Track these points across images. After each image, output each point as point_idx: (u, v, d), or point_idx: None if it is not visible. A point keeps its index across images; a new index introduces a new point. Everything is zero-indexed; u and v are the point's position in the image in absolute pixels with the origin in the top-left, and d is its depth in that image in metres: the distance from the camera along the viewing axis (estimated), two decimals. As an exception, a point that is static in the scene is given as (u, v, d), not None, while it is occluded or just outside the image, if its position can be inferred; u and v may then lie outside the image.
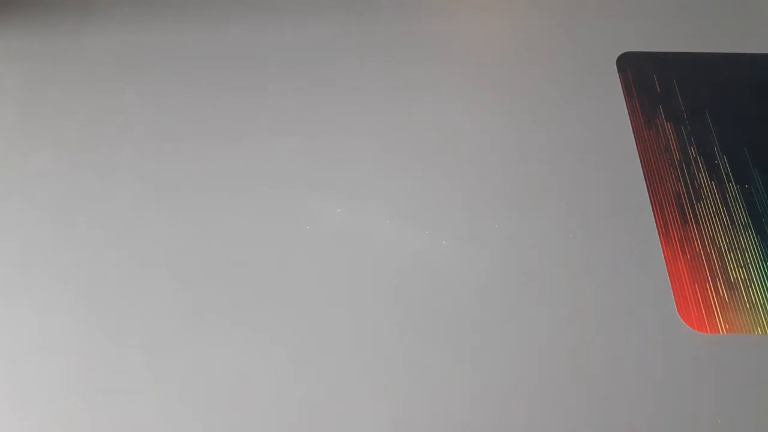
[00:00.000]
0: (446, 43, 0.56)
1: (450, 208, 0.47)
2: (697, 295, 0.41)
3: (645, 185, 0.48)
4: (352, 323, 0.42)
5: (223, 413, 0.38)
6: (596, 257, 0.44)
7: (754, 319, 0.42)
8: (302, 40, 0.55)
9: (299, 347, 0.41)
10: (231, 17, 0.58)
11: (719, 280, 0.43)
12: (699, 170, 0.48)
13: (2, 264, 0.44)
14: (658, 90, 0.54)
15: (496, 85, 0.53)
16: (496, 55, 0.55)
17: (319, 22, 0.56)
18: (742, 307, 0.43)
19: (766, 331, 0.42)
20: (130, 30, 0.57)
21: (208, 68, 0.54)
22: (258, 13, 0.58)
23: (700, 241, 0.45)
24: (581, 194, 0.47)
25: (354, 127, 0.51)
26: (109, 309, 0.41)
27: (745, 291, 0.43)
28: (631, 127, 0.50)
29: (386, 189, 0.47)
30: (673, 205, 0.46)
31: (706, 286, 0.43)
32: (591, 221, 0.46)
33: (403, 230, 0.45)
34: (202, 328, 0.42)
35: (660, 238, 0.45)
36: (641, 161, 0.48)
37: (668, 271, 0.44)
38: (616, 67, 0.55)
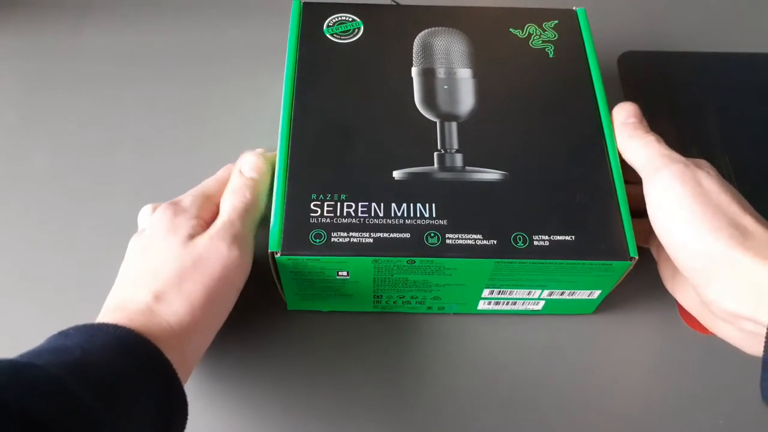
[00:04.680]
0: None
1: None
2: (698, 295, 0.40)
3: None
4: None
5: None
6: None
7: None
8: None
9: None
10: (231, 17, 0.58)
11: (721, 280, 0.43)
12: (700, 170, 0.48)
13: (2, 264, 0.44)
14: (659, 90, 0.54)
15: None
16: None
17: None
18: (744, 308, 0.42)
19: (767, 332, 0.42)
20: (130, 29, 0.56)
21: (208, 68, 0.54)
22: (258, 13, 0.57)
23: (702, 242, 0.45)
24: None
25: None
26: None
27: (746, 291, 0.43)
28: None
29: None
30: (675, 205, 0.46)
31: (707, 286, 0.43)
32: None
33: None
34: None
35: (661, 238, 0.45)
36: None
37: (670, 272, 0.44)
38: (616, 67, 0.55)
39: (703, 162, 0.38)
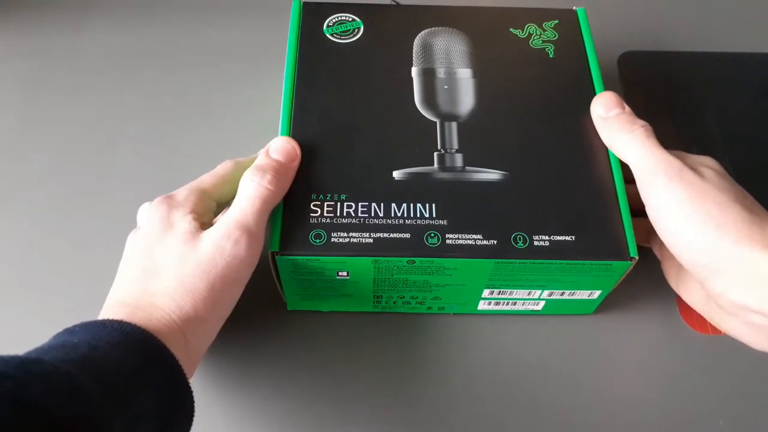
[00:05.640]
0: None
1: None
2: (698, 295, 0.40)
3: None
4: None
5: None
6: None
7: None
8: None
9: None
10: (231, 17, 0.58)
11: (721, 280, 0.43)
12: (700, 170, 0.48)
13: (2, 264, 0.44)
14: (659, 90, 0.54)
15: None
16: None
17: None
18: (744, 308, 0.42)
19: None
20: (130, 29, 0.56)
21: (208, 68, 0.54)
22: (258, 13, 0.57)
23: (702, 242, 0.45)
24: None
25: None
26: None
27: (746, 291, 0.43)
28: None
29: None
30: (675, 205, 0.46)
31: (707, 286, 0.43)
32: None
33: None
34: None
35: (661, 238, 0.45)
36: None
37: (670, 272, 0.44)
38: (616, 67, 0.55)
39: (705, 159, 0.37)
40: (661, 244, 0.37)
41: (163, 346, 0.31)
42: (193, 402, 0.33)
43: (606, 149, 0.40)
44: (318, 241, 0.36)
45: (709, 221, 0.33)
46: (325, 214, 0.37)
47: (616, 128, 0.39)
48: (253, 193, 0.36)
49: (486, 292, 0.40)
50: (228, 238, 0.34)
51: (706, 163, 0.37)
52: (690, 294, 0.40)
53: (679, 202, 0.34)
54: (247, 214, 0.35)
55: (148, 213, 0.37)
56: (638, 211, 0.38)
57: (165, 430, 0.31)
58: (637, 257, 0.36)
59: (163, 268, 0.34)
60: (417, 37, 0.44)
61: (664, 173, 0.35)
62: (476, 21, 0.45)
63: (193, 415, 0.33)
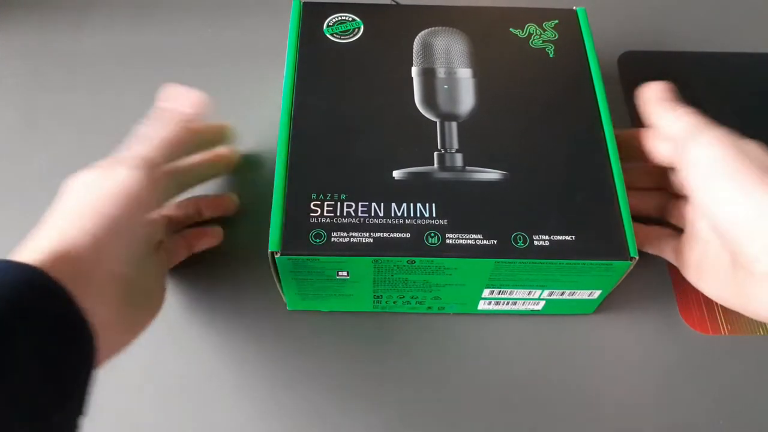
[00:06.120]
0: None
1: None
2: (699, 295, 0.40)
3: (646, 185, 0.47)
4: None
5: None
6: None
7: (756, 320, 0.42)
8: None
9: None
10: (231, 17, 0.58)
11: (721, 280, 0.43)
12: (700, 170, 0.48)
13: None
14: (659, 90, 0.54)
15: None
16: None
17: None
18: (744, 308, 0.42)
19: (768, 332, 0.42)
20: (130, 29, 0.56)
21: (208, 68, 0.54)
22: (258, 13, 0.57)
23: (702, 242, 0.45)
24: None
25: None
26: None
27: (746, 291, 0.43)
28: (632, 127, 0.50)
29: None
30: (675, 205, 0.46)
31: (707, 286, 0.43)
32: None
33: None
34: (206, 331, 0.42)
35: (661, 238, 0.45)
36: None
37: (670, 271, 0.44)
38: (616, 67, 0.55)
39: (749, 140, 0.38)
40: (673, 246, 0.37)
41: (39, 272, 0.29)
42: (89, 331, 0.30)
43: (606, 149, 0.40)
44: (318, 240, 0.36)
45: (751, 177, 0.34)
46: (325, 214, 0.37)
47: (671, 106, 0.40)
48: (161, 133, 0.40)
49: (486, 292, 0.40)
50: (122, 164, 0.37)
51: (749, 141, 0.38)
52: (715, 280, 0.38)
53: (723, 157, 0.35)
54: (152, 148, 0.38)
55: None
56: (642, 217, 0.37)
57: (49, 365, 0.28)
58: (637, 257, 0.36)
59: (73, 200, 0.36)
60: (417, 36, 0.44)
61: (710, 132, 0.36)
62: (476, 21, 0.45)
63: (91, 349, 0.30)
